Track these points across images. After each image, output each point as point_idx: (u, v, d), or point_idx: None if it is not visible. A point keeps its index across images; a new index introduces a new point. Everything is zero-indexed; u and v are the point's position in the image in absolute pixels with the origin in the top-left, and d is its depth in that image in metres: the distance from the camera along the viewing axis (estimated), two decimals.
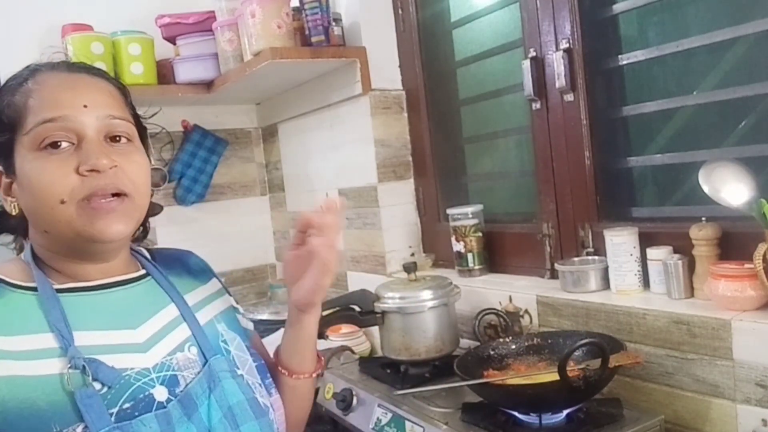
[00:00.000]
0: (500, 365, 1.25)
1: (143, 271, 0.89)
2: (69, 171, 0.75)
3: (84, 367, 0.73)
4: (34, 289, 0.79)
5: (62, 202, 0.75)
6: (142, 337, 0.80)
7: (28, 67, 0.83)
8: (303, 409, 0.99)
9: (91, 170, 0.75)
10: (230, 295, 1.01)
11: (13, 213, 0.81)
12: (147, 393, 0.76)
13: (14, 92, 0.79)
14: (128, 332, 0.80)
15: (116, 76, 1.89)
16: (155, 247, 0.99)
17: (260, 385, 0.88)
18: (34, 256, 0.82)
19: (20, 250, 0.89)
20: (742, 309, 1.07)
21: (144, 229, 0.96)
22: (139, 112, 0.90)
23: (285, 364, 0.94)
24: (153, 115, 0.94)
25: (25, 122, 0.77)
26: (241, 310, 1.00)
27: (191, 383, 0.80)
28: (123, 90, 0.87)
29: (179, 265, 0.96)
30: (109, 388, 0.74)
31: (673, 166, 1.33)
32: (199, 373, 0.81)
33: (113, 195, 0.77)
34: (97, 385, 0.73)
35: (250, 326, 1.00)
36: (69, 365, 0.73)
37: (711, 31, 1.20)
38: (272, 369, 0.94)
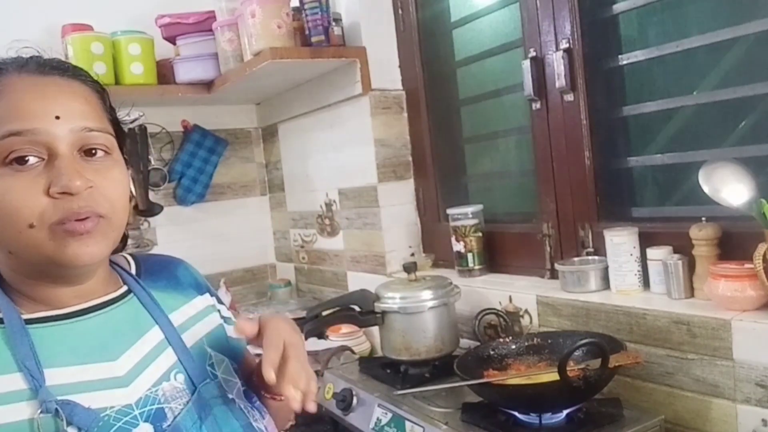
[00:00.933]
0: (500, 365, 1.25)
1: (124, 289, 0.81)
2: (38, 192, 0.67)
3: (57, 410, 0.65)
4: (0, 320, 0.70)
5: (31, 226, 0.66)
6: (123, 369, 0.73)
7: None
8: (282, 424, 0.94)
9: (63, 193, 0.67)
10: (222, 303, 0.94)
11: None
12: None
13: None
14: (107, 365, 0.72)
15: (116, 76, 1.91)
16: (141, 253, 0.91)
17: (252, 408, 0.82)
18: (0, 280, 0.74)
19: None
20: (742, 309, 1.07)
21: (123, 239, 0.84)
22: (120, 114, 0.81)
23: (263, 386, 0.87)
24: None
25: None
26: (233, 319, 0.93)
27: (179, 415, 0.72)
28: (101, 92, 0.78)
29: (166, 277, 0.87)
30: None
31: (673, 166, 1.33)
32: (188, 403, 0.74)
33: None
34: (73, 430, 0.66)
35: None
36: (40, 409, 0.65)
37: (711, 31, 1.20)
38: (255, 388, 0.89)
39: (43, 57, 0.76)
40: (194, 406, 0.74)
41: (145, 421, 0.70)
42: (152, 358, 0.76)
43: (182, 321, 0.83)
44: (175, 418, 0.72)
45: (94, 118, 0.73)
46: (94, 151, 0.72)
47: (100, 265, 0.77)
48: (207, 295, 0.91)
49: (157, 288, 0.84)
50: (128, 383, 0.72)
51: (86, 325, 0.74)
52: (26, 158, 0.67)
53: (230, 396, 0.79)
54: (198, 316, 0.86)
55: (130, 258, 0.88)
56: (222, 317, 0.91)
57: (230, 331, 0.90)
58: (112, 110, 0.79)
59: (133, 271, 0.86)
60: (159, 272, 0.88)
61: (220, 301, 0.94)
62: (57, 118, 0.69)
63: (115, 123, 0.79)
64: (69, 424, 0.66)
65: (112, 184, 0.72)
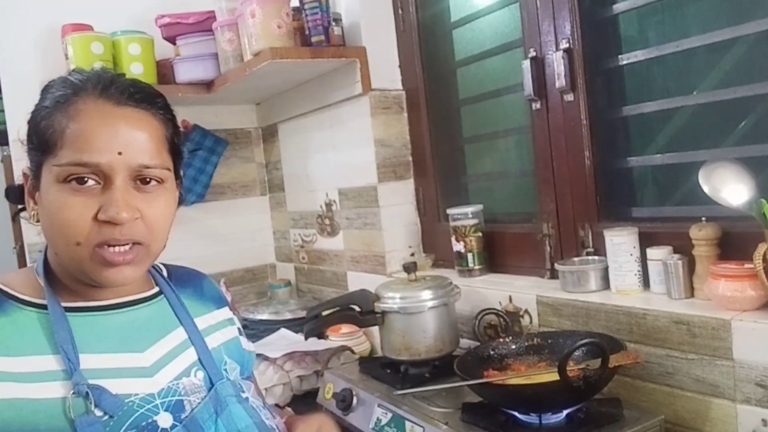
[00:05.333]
0: (500, 365, 1.25)
1: (156, 289, 0.88)
2: (88, 215, 0.74)
3: (87, 393, 0.72)
4: (43, 306, 0.78)
5: (78, 244, 0.74)
6: (148, 361, 0.79)
7: (72, 79, 0.78)
8: None
9: (109, 222, 0.74)
10: (236, 319, 1.00)
11: (33, 222, 0.80)
12: (151, 420, 0.74)
13: (55, 109, 0.76)
14: (135, 355, 0.79)
15: None
16: (172, 264, 0.98)
17: (264, 407, 0.87)
18: (47, 269, 0.81)
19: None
20: (742, 309, 1.07)
21: None
22: None
23: None
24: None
25: (58, 152, 0.74)
26: (242, 333, 0.99)
27: (197, 408, 0.78)
28: (169, 121, 0.83)
29: (193, 287, 0.95)
30: (111, 416, 0.72)
31: (673, 166, 1.33)
32: (205, 397, 0.80)
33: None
34: (99, 412, 0.72)
35: (251, 347, 0.99)
36: (72, 391, 0.72)
37: (711, 31, 1.20)
38: None
39: (124, 82, 0.80)
40: (211, 401, 0.80)
41: (166, 410, 0.76)
42: (175, 355, 0.83)
43: (204, 327, 0.90)
44: (192, 410, 0.78)
45: (153, 154, 0.78)
46: (148, 180, 0.78)
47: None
48: (226, 308, 0.98)
49: (185, 294, 0.91)
50: (152, 374, 0.79)
51: (119, 319, 0.81)
52: (85, 181, 0.74)
53: (244, 395, 0.85)
54: (217, 326, 0.93)
55: (162, 266, 0.95)
56: (237, 329, 0.97)
57: (243, 343, 0.97)
58: (177, 135, 0.84)
59: (165, 276, 0.93)
60: (187, 281, 0.95)
61: (235, 318, 1.00)
62: (119, 153, 0.75)
63: (174, 150, 0.84)
64: (96, 406, 0.72)
65: (157, 213, 0.78)
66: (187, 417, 0.77)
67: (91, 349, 0.76)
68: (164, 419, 0.75)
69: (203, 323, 0.90)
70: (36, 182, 0.78)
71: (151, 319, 0.84)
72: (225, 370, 0.87)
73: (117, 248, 0.75)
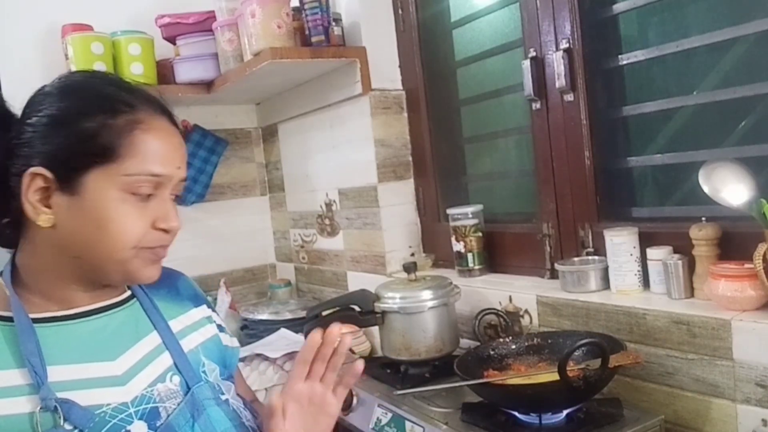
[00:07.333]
0: (500, 365, 1.25)
1: (128, 293, 0.87)
2: (146, 223, 0.77)
3: (56, 407, 0.70)
4: (9, 318, 0.75)
5: (134, 247, 0.77)
6: (120, 369, 0.77)
7: (119, 91, 0.78)
8: None
9: (166, 230, 0.79)
10: (215, 311, 0.98)
11: (45, 225, 0.75)
12: (124, 430, 0.73)
13: (115, 117, 0.75)
14: (106, 364, 0.77)
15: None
16: None
17: (245, 408, 0.86)
18: (14, 279, 0.79)
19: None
20: (742, 309, 1.07)
21: None
22: None
23: None
24: None
25: (126, 161, 0.74)
26: (225, 328, 0.98)
27: (172, 414, 0.76)
28: None
29: (167, 287, 0.93)
30: (81, 430, 0.71)
31: (673, 166, 1.33)
32: (180, 403, 0.78)
33: None
34: (69, 426, 0.70)
35: (234, 342, 0.97)
36: (40, 406, 0.70)
37: (711, 31, 1.20)
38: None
39: (160, 99, 0.84)
40: (187, 406, 0.78)
41: (140, 419, 0.74)
42: (149, 360, 0.80)
43: (180, 329, 0.88)
44: (168, 416, 0.76)
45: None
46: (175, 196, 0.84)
47: None
48: (204, 306, 0.96)
49: (158, 296, 0.90)
50: (125, 382, 0.76)
51: (90, 326, 0.79)
52: (149, 195, 0.78)
53: (224, 397, 0.83)
54: (194, 326, 0.91)
55: None
56: (217, 326, 0.96)
57: (225, 339, 0.95)
58: None
59: None
60: (161, 282, 0.91)
61: (214, 311, 0.99)
62: (178, 168, 0.81)
63: None
64: (65, 420, 0.70)
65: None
66: (162, 424, 0.75)
67: (59, 361, 0.74)
68: (138, 428, 0.74)
69: (179, 324, 0.88)
70: (63, 186, 0.74)
71: (124, 325, 0.82)
72: (203, 372, 0.85)
73: (162, 250, 0.81)
